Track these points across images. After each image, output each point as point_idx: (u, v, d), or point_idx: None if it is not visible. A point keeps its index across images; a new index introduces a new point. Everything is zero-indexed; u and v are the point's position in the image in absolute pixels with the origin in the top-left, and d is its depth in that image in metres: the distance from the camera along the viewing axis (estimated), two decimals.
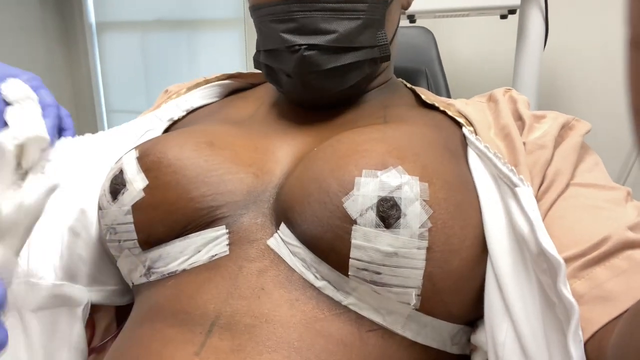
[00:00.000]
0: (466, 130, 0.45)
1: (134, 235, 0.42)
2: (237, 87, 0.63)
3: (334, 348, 0.36)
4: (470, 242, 0.37)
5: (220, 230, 0.41)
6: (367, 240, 0.35)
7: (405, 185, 0.35)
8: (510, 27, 1.15)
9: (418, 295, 0.35)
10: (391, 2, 0.48)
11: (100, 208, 0.45)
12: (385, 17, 0.48)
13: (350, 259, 0.36)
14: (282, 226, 0.40)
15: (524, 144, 0.42)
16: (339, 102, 0.51)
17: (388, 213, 0.34)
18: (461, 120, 0.47)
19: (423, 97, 0.53)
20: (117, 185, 0.43)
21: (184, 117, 0.58)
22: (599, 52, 1.30)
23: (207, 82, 0.62)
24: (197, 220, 0.42)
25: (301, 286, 0.38)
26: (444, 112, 0.49)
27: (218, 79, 0.62)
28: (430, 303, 0.36)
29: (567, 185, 0.40)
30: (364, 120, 0.49)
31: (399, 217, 0.34)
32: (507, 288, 0.36)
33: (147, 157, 0.44)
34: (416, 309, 0.36)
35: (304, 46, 0.43)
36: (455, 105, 0.49)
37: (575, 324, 0.31)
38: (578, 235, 0.35)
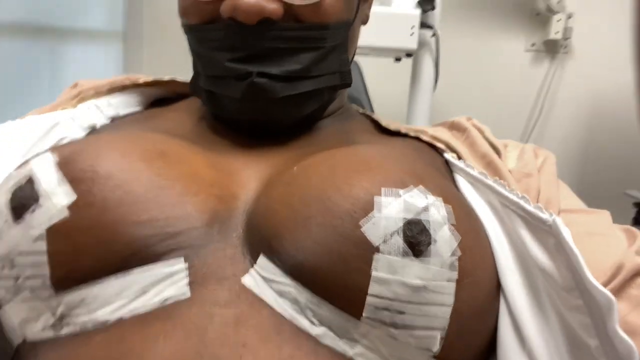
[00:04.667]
0: (449, 156, 0.42)
1: (45, 270, 0.30)
2: (160, 95, 0.53)
3: None
4: (489, 275, 0.33)
5: (177, 265, 0.32)
6: (392, 272, 0.29)
7: (432, 207, 0.30)
8: (404, 69, 1.22)
9: (442, 338, 0.30)
10: (354, 22, 0.44)
11: None
12: (347, 39, 0.44)
13: (368, 296, 0.29)
14: (261, 259, 0.32)
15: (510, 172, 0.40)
16: (290, 129, 0.44)
17: (418, 239, 0.29)
18: (440, 145, 0.43)
19: (383, 123, 0.49)
20: (23, 200, 0.31)
21: (104, 125, 0.47)
22: (482, 92, 1.45)
23: (131, 83, 0.50)
24: (144, 250, 0.31)
25: (293, 337, 0.30)
26: (415, 138, 0.45)
27: (146, 83, 0.51)
28: (450, 348, 0.31)
29: (558, 213, 0.38)
30: (326, 144, 0.43)
31: (429, 244, 0.29)
32: (526, 326, 0.32)
33: (73, 164, 0.32)
34: (434, 357, 0.31)
35: (254, 73, 0.38)
36: (428, 132, 0.46)
37: None
38: (591, 265, 0.33)
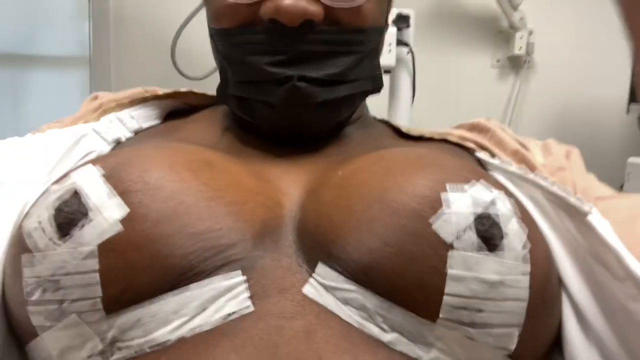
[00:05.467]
0: (481, 155, 0.42)
1: (96, 291, 0.28)
2: (175, 107, 0.51)
3: None
4: (553, 267, 0.33)
5: (236, 278, 0.30)
6: (468, 269, 0.28)
7: (498, 200, 0.30)
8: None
9: (519, 334, 0.29)
10: (385, 27, 0.45)
11: (25, 251, 0.29)
12: (379, 44, 0.44)
13: (445, 296, 0.28)
14: (320, 266, 0.31)
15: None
16: (318, 137, 0.44)
17: (491, 233, 0.28)
18: (470, 145, 0.44)
19: (404, 129, 0.49)
20: (70, 215, 0.29)
21: (129, 138, 0.45)
22: (454, 106, 1.49)
23: (151, 95, 0.49)
24: (201, 264, 0.30)
25: (366, 346, 0.29)
26: (443, 141, 0.46)
27: (166, 95, 0.50)
28: (524, 345, 0.30)
29: (595, 202, 0.39)
30: (356, 151, 0.43)
31: (502, 237, 0.29)
32: (590, 317, 0.32)
33: (121, 176, 0.30)
34: (509, 356, 0.30)
35: (295, 77, 0.37)
36: (453, 133, 0.46)
37: None
38: None
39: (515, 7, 1.41)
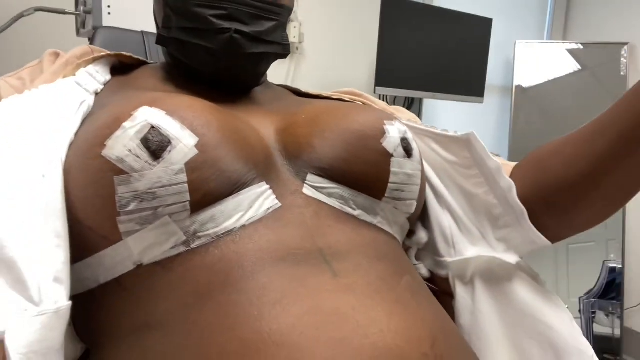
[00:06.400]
0: None
1: (186, 197, 0.38)
2: (113, 64, 0.56)
3: (388, 252, 0.47)
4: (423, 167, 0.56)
5: (264, 186, 0.44)
6: (400, 167, 0.49)
7: (407, 130, 0.52)
8: None
9: (415, 205, 0.52)
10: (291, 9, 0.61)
11: (123, 172, 0.37)
12: (287, 22, 0.60)
13: (389, 184, 0.48)
14: (310, 176, 0.47)
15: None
16: (242, 85, 0.58)
17: (408, 148, 0.50)
18: (358, 103, 0.64)
19: (303, 90, 0.66)
20: (159, 142, 0.37)
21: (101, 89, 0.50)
22: None
23: (106, 53, 0.53)
24: (243, 177, 0.42)
25: (346, 218, 0.47)
26: (338, 99, 0.64)
27: (115, 54, 0.54)
28: (414, 212, 0.53)
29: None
30: (283, 103, 0.58)
31: (412, 150, 0.51)
32: (440, 192, 0.57)
33: (181, 114, 0.40)
34: (407, 218, 0.53)
35: (232, 30, 0.50)
36: (344, 95, 0.65)
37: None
38: None
39: None
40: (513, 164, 0.59)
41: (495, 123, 2.41)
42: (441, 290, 0.55)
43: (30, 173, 0.37)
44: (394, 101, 1.92)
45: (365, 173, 0.47)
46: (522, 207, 0.50)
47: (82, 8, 1.22)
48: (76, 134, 0.41)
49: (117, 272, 0.39)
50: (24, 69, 0.51)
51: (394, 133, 0.49)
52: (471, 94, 1.93)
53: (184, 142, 0.38)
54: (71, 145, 0.40)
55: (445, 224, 0.56)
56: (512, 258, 0.51)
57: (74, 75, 0.49)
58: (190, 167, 0.38)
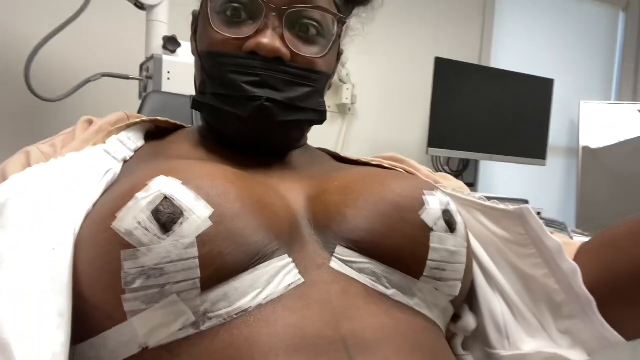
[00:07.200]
0: None
1: (196, 273, 0.35)
2: (149, 129, 0.56)
3: (425, 341, 0.41)
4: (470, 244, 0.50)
5: (285, 259, 0.40)
6: (441, 243, 0.44)
7: (450, 201, 0.47)
8: None
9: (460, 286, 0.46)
10: (331, 77, 0.59)
11: (125, 247, 0.34)
12: (325, 89, 0.58)
13: (427, 261, 0.43)
14: (339, 248, 0.43)
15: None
16: (275, 152, 0.56)
17: (451, 221, 0.45)
18: (400, 170, 0.60)
19: (342, 155, 0.63)
20: (171, 214, 0.35)
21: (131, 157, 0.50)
22: None
23: (140, 120, 0.53)
24: (262, 250, 0.39)
25: (378, 297, 0.41)
26: (378, 166, 0.61)
27: (150, 120, 0.55)
28: (459, 294, 0.47)
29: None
30: (318, 168, 0.55)
31: (456, 223, 0.45)
32: (491, 272, 0.50)
33: (197, 183, 0.38)
34: (451, 300, 0.46)
35: (264, 98, 0.48)
36: (383, 161, 0.62)
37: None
38: None
39: (343, 64, 1.71)
40: (577, 243, 0.52)
41: (561, 187, 2.27)
42: None
43: (40, 245, 0.36)
44: (447, 162, 1.85)
45: (400, 248, 0.42)
46: (589, 295, 0.43)
47: (144, 74, 1.29)
48: (95, 205, 0.40)
49: (121, 355, 0.36)
50: (58, 135, 0.52)
51: (434, 204, 0.44)
52: (533, 155, 1.83)
53: (197, 214, 0.36)
54: (88, 216, 0.39)
55: (497, 309, 0.49)
56: (579, 357, 0.43)
57: (104, 143, 0.49)
58: (202, 240, 0.35)
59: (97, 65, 1.30)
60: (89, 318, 0.36)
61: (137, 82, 1.33)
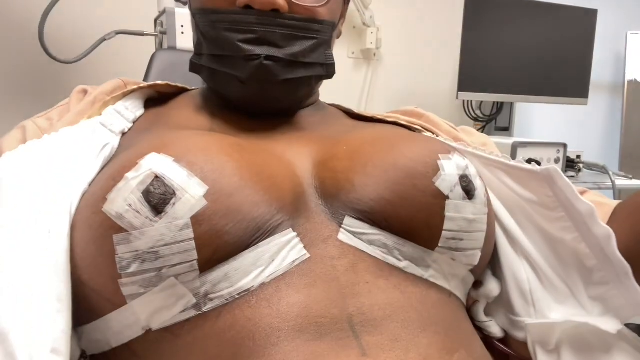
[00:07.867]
0: (429, 135, 0.55)
1: (193, 255, 0.33)
2: (150, 96, 0.54)
3: (439, 316, 0.39)
4: (492, 207, 0.46)
5: (289, 234, 0.37)
6: (458, 212, 0.40)
7: (469, 164, 0.43)
8: None
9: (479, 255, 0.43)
10: (337, 26, 0.54)
11: (117, 231, 0.32)
12: (332, 39, 0.53)
13: (443, 231, 0.40)
14: (348, 219, 0.40)
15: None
16: (281, 112, 0.52)
17: (469, 187, 0.41)
18: (417, 127, 0.56)
19: (356, 111, 0.59)
20: (162, 195, 0.33)
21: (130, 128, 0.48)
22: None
23: (138, 87, 0.51)
24: (264, 226, 0.37)
25: (389, 271, 0.39)
26: (393, 123, 0.57)
27: (149, 86, 0.52)
28: (479, 262, 0.44)
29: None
30: (330, 128, 0.52)
31: (475, 189, 0.42)
32: (516, 236, 0.46)
33: (190, 159, 0.35)
34: (470, 270, 0.43)
35: (263, 56, 0.45)
36: (400, 117, 0.58)
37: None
38: None
39: (366, 6, 1.61)
40: (612, 203, 0.47)
41: (603, 126, 2.14)
42: (517, 355, 0.45)
43: (36, 228, 0.34)
44: (479, 106, 1.76)
45: (412, 218, 0.39)
46: (624, 262, 0.39)
47: (159, 29, 1.25)
48: (91, 184, 0.38)
49: (126, 337, 0.35)
50: (54, 108, 0.50)
51: (450, 170, 0.41)
52: (573, 95, 1.72)
53: (191, 193, 0.34)
54: (83, 196, 0.37)
55: (522, 275, 0.45)
56: (612, 325, 0.40)
57: (100, 114, 0.46)
58: (198, 220, 0.33)
59: (111, 22, 1.27)
60: (90, 301, 0.35)
61: (153, 38, 1.29)
